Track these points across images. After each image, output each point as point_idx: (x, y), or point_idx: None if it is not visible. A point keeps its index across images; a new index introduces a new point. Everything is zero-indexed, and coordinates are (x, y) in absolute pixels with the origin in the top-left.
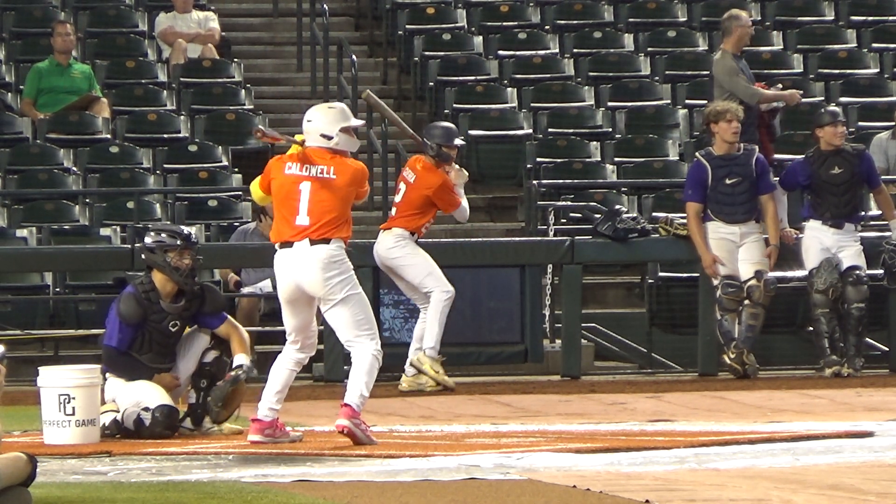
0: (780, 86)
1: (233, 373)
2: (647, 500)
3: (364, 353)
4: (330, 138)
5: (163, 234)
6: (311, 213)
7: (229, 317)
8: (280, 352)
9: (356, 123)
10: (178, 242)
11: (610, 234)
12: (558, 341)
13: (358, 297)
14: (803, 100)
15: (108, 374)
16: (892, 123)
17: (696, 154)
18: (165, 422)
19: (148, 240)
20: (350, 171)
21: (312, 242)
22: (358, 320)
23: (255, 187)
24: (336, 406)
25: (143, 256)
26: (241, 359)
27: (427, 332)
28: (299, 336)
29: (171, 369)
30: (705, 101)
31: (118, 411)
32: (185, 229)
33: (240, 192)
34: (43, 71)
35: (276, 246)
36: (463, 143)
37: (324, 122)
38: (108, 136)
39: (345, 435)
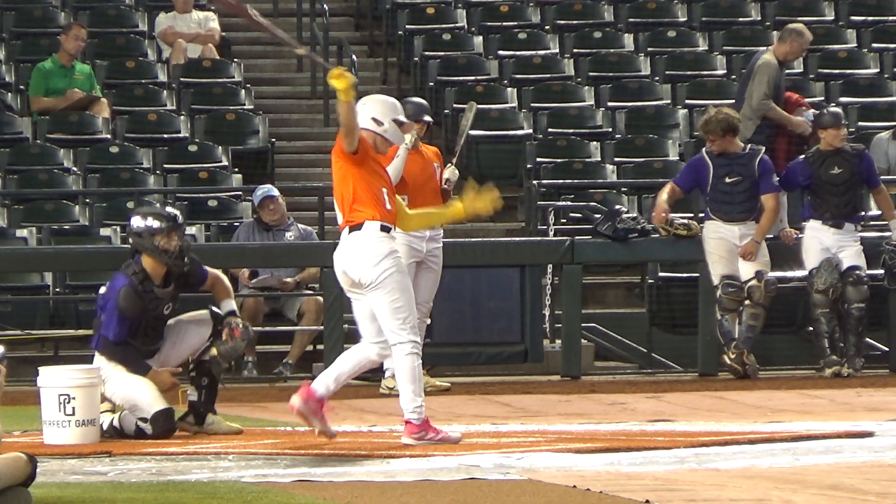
0: (809, 111)
1: (240, 328)
2: (647, 501)
3: (398, 356)
4: (381, 124)
5: (149, 218)
6: (336, 203)
7: (209, 270)
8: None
9: (407, 122)
10: (164, 225)
11: (610, 234)
12: (558, 341)
13: (395, 285)
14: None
15: (101, 357)
16: (892, 124)
17: (703, 149)
18: (164, 428)
19: (134, 224)
20: (334, 147)
21: (350, 230)
22: (393, 308)
23: None
24: (337, 406)
25: (130, 241)
26: (229, 304)
27: None
28: (370, 326)
29: (159, 350)
30: (705, 101)
31: (113, 411)
32: (171, 211)
33: (240, 193)
34: (47, 70)
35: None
36: (429, 120)
37: (380, 107)
38: (108, 136)
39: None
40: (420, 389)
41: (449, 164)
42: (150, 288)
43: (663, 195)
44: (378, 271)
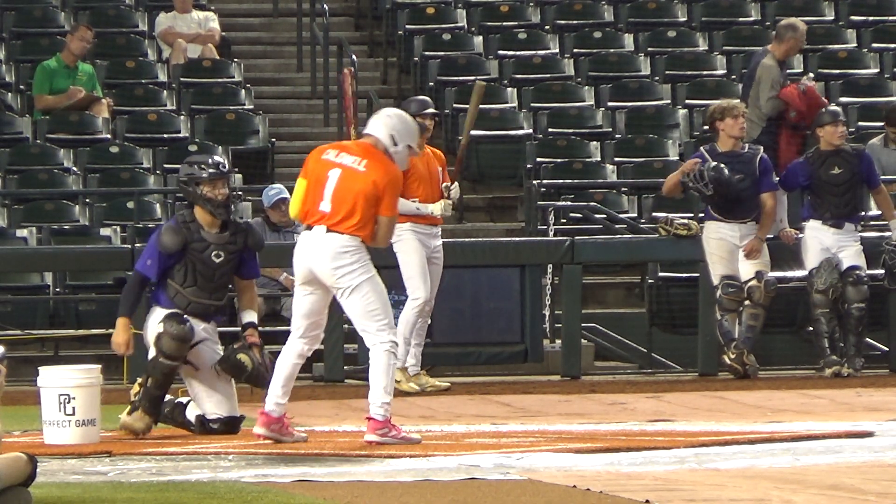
0: (804, 81)
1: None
2: (647, 501)
3: (376, 351)
4: (395, 144)
5: (195, 167)
6: (334, 201)
7: (259, 272)
8: (281, 349)
9: (416, 151)
10: (206, 174)
11: (717, 178)
12: (558, 341)
13: (371, 287)
14: None
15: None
16: (881, 124)
17: (701, 148)
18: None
19: (182, 172)
20: (381, 170)
21: (329, 230)
22: (370, 310)
23: (297, 187)
24: (337, 406)
25: (178, 190)
26: (252, 315)
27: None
28: (306, 321)
29: (219, 309)
30: (705, 101)
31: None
32: (217, 158)
33: (240, 193)
34: (51, 70)
35: (303, 228)
36: (435, 112)
37: (403, 129)
38: (108, 136)
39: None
40: (391, 388)
41: (454, 183)
42: (195, 229)
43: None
44: (354, 276)
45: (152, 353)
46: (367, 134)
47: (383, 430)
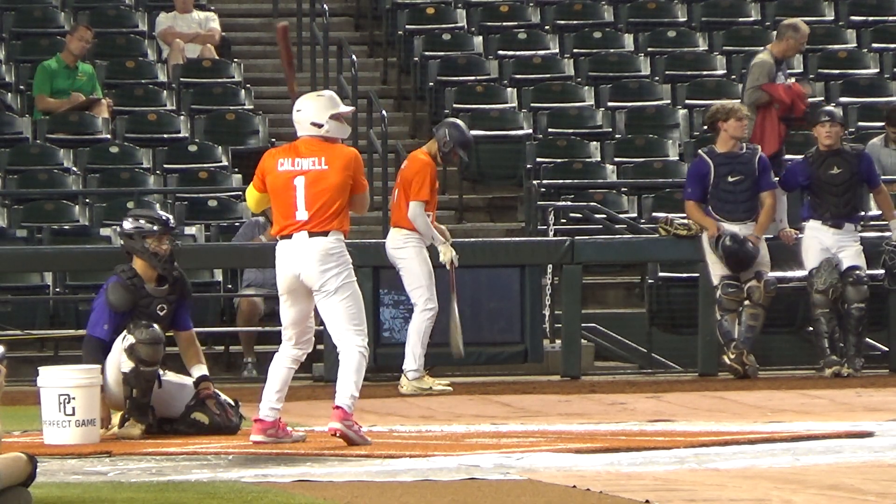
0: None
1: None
2: (647, 501)
3: (351, 350)
4: (320, 126)
5: (141, 220)
6: (309, 207)
7: (191, 324)
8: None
9: (345, 110)
10: (156, 228)
11: (733, 249)
12: (558, 341)
13: (352, 291)
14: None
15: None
16: (881, 124)
17: (699, 151)
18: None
19: (126, 225)
20: (342, 158)
21: (311, 234)
22: (350, 314)
23: (250, 194)
24: None
25: (121, 242)
26: (201, 370)
27: (407, 352)
28: (295, 329)
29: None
30: (705, 101)
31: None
32: (163, 214)
33: (240, 193)
34: (52, 70)
35: (277, 238)
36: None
37: (313, 110)
38: (108, 136)
39: (338, 437)
40: (360, 385)
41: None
42: (140, 285)
43: (696, 216)
44: (339, 279)
45: (129, 366)
46: (300, 137)
47: (349, 421)
